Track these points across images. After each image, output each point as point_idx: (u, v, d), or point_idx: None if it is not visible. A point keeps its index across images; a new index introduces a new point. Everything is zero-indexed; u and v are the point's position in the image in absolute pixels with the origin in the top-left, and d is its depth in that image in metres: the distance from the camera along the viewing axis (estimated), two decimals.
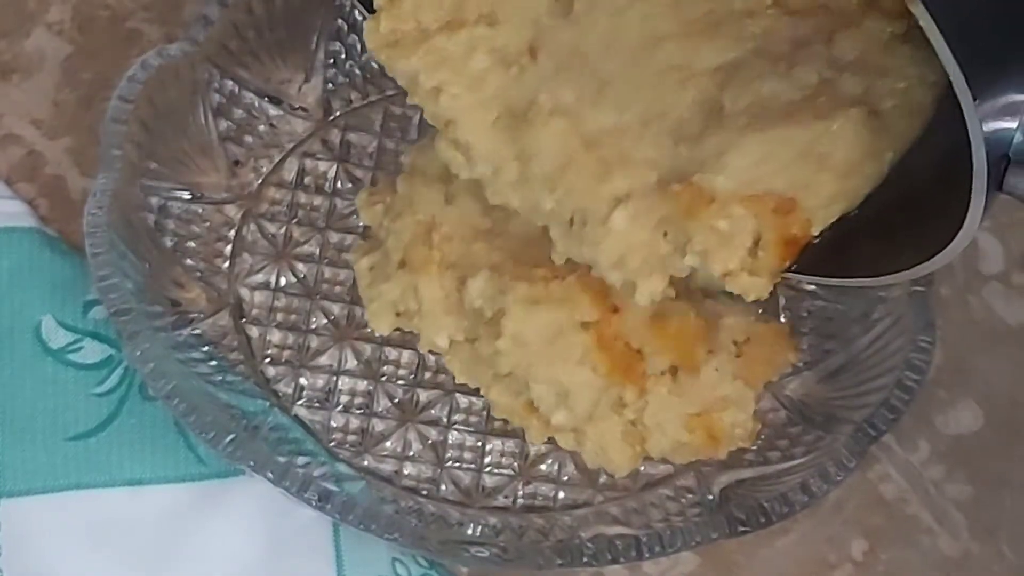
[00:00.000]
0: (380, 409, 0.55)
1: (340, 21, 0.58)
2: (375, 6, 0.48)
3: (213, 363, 0.54)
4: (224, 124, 0.56)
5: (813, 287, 0.56)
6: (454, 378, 0.55)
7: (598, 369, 0.50)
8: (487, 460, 0.55)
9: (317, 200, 0.58)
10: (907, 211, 0.45)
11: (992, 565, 0.55)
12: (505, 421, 0.54)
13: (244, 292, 0.56)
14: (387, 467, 0.54)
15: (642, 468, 0.54)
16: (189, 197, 0.56)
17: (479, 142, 0.48)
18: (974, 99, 0.36)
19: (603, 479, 0.54)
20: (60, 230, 0.57)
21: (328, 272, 0.57)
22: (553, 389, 0.51)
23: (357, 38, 0.58)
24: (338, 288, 0.56)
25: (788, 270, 0.47)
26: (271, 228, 0.57)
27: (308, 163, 0.58)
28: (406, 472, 0.54)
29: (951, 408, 0.57)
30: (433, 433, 0.55)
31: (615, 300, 0.51)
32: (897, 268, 0.46)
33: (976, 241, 0.59)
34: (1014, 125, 0.38)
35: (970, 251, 0.59)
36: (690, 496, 0.53)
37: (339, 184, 0.58)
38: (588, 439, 0.52)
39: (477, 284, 0.51)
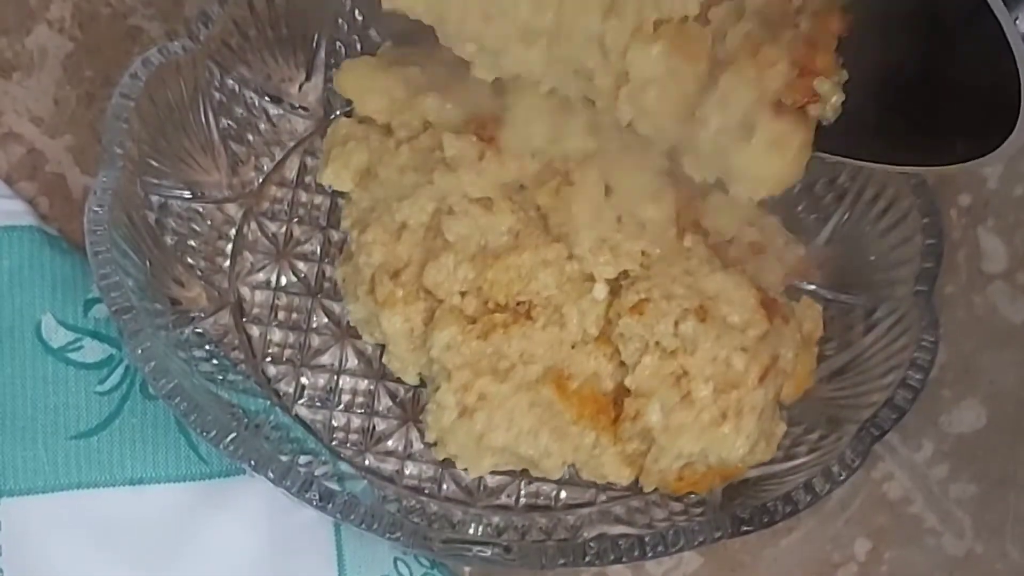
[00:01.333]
0: (381, 408, 0.55)
1: (341, 20, 0.58)
2: None
3: (214, 362, 0.54)
4: (225, 122, 0.56)
5: (813, 286, 0.56)
6: None
7: (564, 417, 0.51)
8: None
9: (318, 199, 0.57)
10: (961, 100, 0.43)
11: (996, 564, 0.55)
12: None
13: (245, 291, 0.56)
14: (389, 466, 0.54)
15: None
16: (190, 195, 0.55)
17: None
18: (1014, 19, 0.35)
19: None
20: (61, 229, 0.57)
21: (329, 271, 0.56)
22: (514, 460, 0.52)
23: (357, 37, 0.58)
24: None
25: (834, 152, 0.46)
26: (272, 227, 0.57)
27: (309, 161, 0.58)
28: (408, 471, 0.54)
29: (955, 407, 0.57)
30: None
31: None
32: (949, 160, 0.44)
33: (979, 240, 0.59)
34: None
35: (974, 250, 0.59)
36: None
37: None
38: (583, 466, 0.53)
39: (443, 337, 0.51)
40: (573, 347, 0.51)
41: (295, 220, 0.57)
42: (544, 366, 0.51)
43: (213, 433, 0.49)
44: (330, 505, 0.49)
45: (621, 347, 0.51)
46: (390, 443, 0.55)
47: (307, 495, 0.49)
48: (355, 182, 0.54)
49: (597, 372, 0.51)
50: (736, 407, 0.50)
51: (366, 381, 0.55)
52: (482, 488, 0.54)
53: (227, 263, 0.56)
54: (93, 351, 0.54)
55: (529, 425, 0.51)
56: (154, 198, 0.54)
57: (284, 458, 0.51)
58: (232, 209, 0.57)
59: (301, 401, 0.55)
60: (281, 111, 0.57)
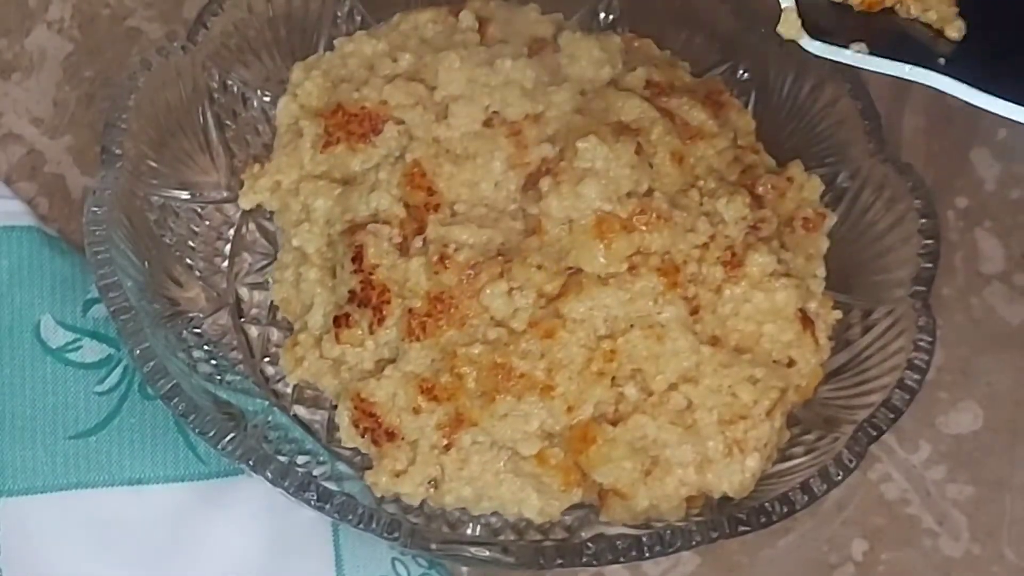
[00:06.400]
0: None
1: (340, 20, 0.58)
2: None
3: (213, 362, 0.54)
4: (224, 123, 0.56)
5: None
6: None
7: (551, 488, 0.50)
8: None
9: None
10: None
11: (992, 566, 0.55)
12: None
13: (243, 291, 0.56)
14: None
15: None
16: (189, 196, 0.56)
17: None
18: None
19: None
20: (60, 229, 0.57)
21: None
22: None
23: None
24: None
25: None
26: (270, 227, 0.57)
27: None
28: None
29: (952, 409, 0.57)
30: None
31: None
32: None
33: (977, 242, 0.59)
34: None
35: (971, 252, 0.59)
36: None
37: None
38: None
39: (418, 423, 0.50)
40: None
41: None
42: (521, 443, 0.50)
43: (211, 433, 0.49)
44: (328, 505, 0.49)
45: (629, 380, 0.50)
46: None
47: (305, 495, 0.49)
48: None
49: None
50: (742, 442, 0.50)
51: None
52: None
53: (225, 263, 0.56)
54: (92, 351, 0.54)
55: (510, 495, 0.51)
56: (153, 198, 0.54)
57: (282, 458, 0.51)
58: (231, 209, 0.57)
59: (299, 401, 0.55)
60: None
